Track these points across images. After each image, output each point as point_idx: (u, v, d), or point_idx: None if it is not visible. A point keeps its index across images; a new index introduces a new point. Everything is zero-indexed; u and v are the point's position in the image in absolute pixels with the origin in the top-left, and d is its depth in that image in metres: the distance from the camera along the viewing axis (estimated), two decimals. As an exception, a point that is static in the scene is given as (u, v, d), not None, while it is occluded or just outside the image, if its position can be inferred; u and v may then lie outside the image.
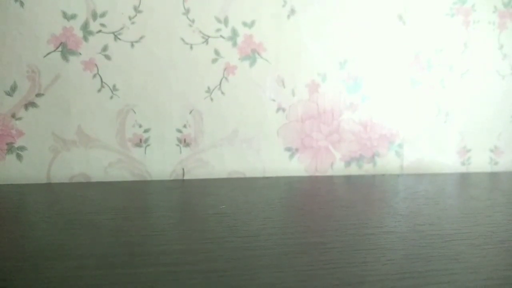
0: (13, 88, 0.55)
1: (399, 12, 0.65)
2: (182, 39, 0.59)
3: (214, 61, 0.60)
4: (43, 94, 0.56)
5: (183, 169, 0.61)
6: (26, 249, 0.31)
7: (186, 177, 0.61)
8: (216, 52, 0.60)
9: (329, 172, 0.66)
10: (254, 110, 0.62)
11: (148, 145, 0.59)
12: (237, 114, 0.61)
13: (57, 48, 0.55)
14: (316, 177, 0.64)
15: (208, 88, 0.60)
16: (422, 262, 0.30)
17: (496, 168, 0.73)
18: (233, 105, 0.61)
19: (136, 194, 0.52)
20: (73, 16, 0.55)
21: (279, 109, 0.63)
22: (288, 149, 0.64)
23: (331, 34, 0.63)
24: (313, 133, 0.64)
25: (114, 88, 0.57)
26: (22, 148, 0.56)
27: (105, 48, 0.56)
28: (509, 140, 0.73)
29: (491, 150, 0.72)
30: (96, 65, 0.57)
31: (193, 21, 0.59)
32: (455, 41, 0.68)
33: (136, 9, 0.57)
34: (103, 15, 0.56)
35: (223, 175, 0.62)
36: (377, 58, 0.65)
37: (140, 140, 0.59)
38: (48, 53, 0.55)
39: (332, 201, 0.49)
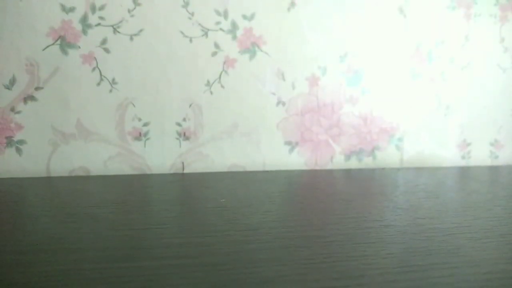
0: (12, 82, 0.55)
1: (400, 5, 0.65)
2: (182, 32, 0.58)
3: (214, 54, 0.59)
4: (42, 88, 0.55)
5: (182, 162, 0.61)
6: (26, 243, 0.31)
7: (185, 171, 0.61)
8: (216, 45, 0.59)
9: (329, 166, 0.66)
10: (254, 104, 0.62)
11: (148, 138, 0.59)
12: (237, 107, 0.61)
13: (56, 41, 0.55)
14: (316, 170, 0.64)
15: (208, 81, 0.60)
16: (422, 255, 0.30)
17: (496, 162, 0.73)
18: (232, 99, 0.61)
19: (136, 187, 0.52)
20: (72, 9, 0.55)
21: (279, 102, 0.63)
22: (288, 142, 0.64)
23: (331, 27, 0.63)
24: (313, 127, 0.64)
25: (113, 82, 0.57)
26: (21, 141, 0.56)
27: (104, 41, 0.56)
28: (509, 134, 0.72)
29: (491, 144, 0.72)
30: (95, 58, 0.56)
31: (192, 14, 0.58)
32: (456, 34, 0.68)
33: (135, 2, 0.56)
34: (102, 8, 0.55)
35: (223, 168, 0.62)
36: (378, 51, 0.65)
37: (140, 134, 0.59)
38: (47, 46, 0.55)
39: (332, 195, 0.49)
